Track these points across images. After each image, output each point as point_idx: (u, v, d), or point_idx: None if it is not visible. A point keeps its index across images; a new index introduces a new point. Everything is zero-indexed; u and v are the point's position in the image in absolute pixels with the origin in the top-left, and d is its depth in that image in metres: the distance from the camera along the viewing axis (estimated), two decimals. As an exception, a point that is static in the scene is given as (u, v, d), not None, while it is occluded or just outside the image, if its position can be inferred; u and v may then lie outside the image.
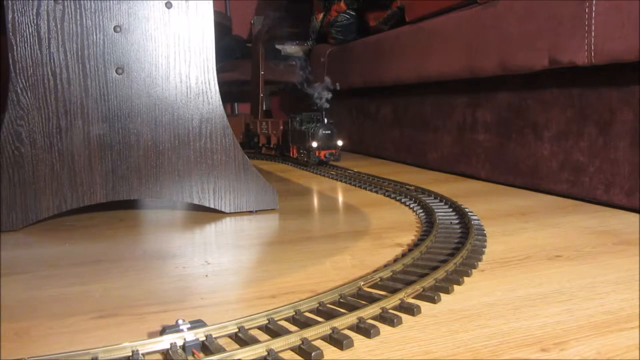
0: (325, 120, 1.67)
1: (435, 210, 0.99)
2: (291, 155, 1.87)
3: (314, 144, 1.66)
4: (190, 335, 0.48)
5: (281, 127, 1.95)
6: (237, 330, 0.51)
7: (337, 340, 0.49)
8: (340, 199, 1.25)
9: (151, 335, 0.53)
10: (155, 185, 1.03)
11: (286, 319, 0.54)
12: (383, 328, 0.52)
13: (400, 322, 0.53)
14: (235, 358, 0.45)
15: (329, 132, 1.67)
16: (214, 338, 0.49)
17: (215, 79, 1.05)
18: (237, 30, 2.89)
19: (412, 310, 0.56)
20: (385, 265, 0.71)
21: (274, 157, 2.07)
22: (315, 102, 1.69)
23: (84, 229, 0.99)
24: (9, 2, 0.92)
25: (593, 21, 0.99)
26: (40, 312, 0.60)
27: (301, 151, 1.77)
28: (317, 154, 1.68)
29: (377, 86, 1.95)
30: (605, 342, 0.49)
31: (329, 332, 0.50)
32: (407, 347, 0.49)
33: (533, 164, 1.23)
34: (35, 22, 0.94)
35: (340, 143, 1.69)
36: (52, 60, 0.96)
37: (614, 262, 0.72)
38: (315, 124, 1.68)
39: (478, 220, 0.94)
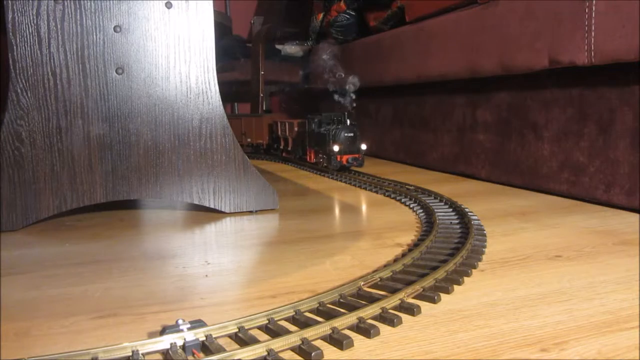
0: (348, 122, 1.54)
1: (435, 210, 0.99)
2: (308, 159, 1.74)
3: (335, 148, 1.52)
4: (190, 335, 0.48)
5: (296, 129, 1.83)
6: (237, 330, 0.51)
7: (337, 340, 0.49)
8: (340, 199, 1.25)
9: (151, 335, 0.53)
10: (155, 185, 1.03)
11: (286, 319, 0.54)
12: (383, 328, 0.52)
13: (400, 322, 0.53)
14: (235, 358, 0.45)
15: (352, 134, 1.53)
16: (214, 338, 0.49)
17: (215, 79, 1.05)
18: (237, 30, 2.89)
19: (412, 310, 0.56)
20: (385, 265, 0.71)
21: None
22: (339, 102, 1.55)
23: (84, 229, 0.99)
24: (9, 2, 0.92)
25: (593, 21, 0.99)
26: (40, 312, 0.60)
27: (320, 155, 1.64)
28: (338, 159, 1.53)
29: (377, 86, 1.96)
30: (605, 342, 0.49)
31: (329, 332, 0.50)
32: (407, 347, 0.49)
33: (533, 164, 1.23)
34: (35, 22, 0.94)
35: (364, 147, 1.56)
36: (52, 60, 0.96)
37: (614, 262, 0.72)
38: (336, 126, 1.54)
39: (478, 220, 0.94)
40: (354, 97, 1.56)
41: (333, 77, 1.67)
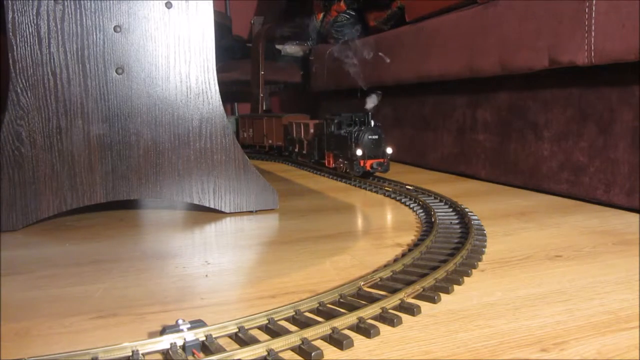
0: (372, 123, 1.41)
1: (435, 210, 0.99)
2: (327, 164, 1.60)
3: (359, 152, 1.38)
4: (190, 335, 0.48)
5: (311, 131, 1.71)
6: (237, 330, 0.51)
7: (337, 340, 0.49)
8: (340, 199, 1.25)
9: (151, 335, 0.53)
10: (155, 185, 1.03)
11: (286, 319, 0.54)
12: (383, 328, 0.52)
13: (400, 322, 0.53)
14: (235, 358, 0.45)
15: (377, 137, 1.39)
16: (214, 338, 0.49)
17: (215, 79, 1.05)
18: (237, 30, 2.89)
19: (412, 310, 0.56)
20: (385, 265, 0.71)
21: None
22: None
23: (84, 229, 0.99)
24: (9, 2, 0.92)
25: (593, 21, 0.99)
26: (40, 312, 0.60)
27: (340, 160, 1.51)
28: (361, 164, 1.39)
29: (377, 86, 1.95)
30: (605, 342, 0.49)
31: (329, 332, 0.50)
32: (407, 347, 0.49)
33: (533, 164, 1.23)
34: (35, 22, 0.94)
35: (389, 151, 1.41)
36: (52, 60, 0.96)
37: (614, 262, 0.72)
38: (358, 128, 1.41)
39: (478, 220, 0.94)
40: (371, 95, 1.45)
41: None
